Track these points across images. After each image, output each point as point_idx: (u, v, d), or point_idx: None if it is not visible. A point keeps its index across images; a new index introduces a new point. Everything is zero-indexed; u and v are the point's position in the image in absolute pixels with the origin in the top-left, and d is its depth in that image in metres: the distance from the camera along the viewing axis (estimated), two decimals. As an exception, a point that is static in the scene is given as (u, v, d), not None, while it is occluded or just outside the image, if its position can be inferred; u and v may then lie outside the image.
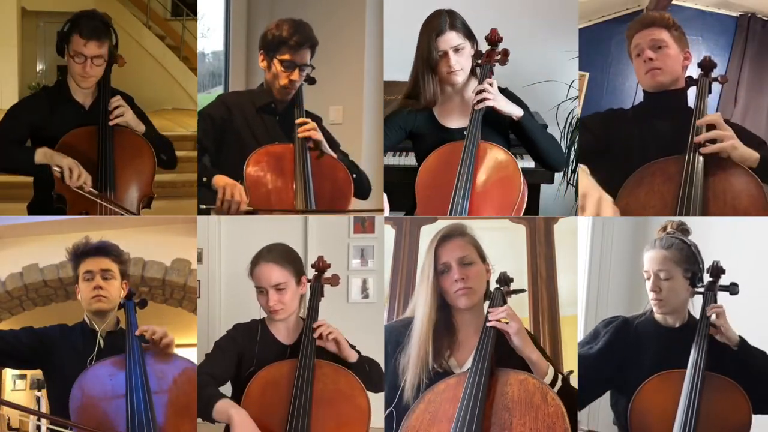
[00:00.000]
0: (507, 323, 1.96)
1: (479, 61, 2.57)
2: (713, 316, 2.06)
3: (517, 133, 2.61)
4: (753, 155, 2.25)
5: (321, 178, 2.55)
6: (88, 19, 2.47)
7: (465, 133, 2.50)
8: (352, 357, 2.23)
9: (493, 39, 2.54)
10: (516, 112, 2.53)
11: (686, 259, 2.15)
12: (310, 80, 2.60)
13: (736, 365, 2.05)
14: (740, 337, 2.07)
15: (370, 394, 2.17)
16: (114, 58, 2.54)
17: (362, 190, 2.72)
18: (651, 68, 2.38)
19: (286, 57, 2.54)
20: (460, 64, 2.54)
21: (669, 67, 2.38)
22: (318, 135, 2.55)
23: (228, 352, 2.23)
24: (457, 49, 2.52)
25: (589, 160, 2.61)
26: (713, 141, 2.25)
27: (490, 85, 2.49)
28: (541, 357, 1.98)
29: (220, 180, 2.45)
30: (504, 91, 2.64)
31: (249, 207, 2.46)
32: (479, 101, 2.48)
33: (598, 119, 2.58)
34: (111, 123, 2.50)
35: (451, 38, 2.51)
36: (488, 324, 1.97)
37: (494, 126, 2.58)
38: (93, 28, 2.45)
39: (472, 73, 2.63)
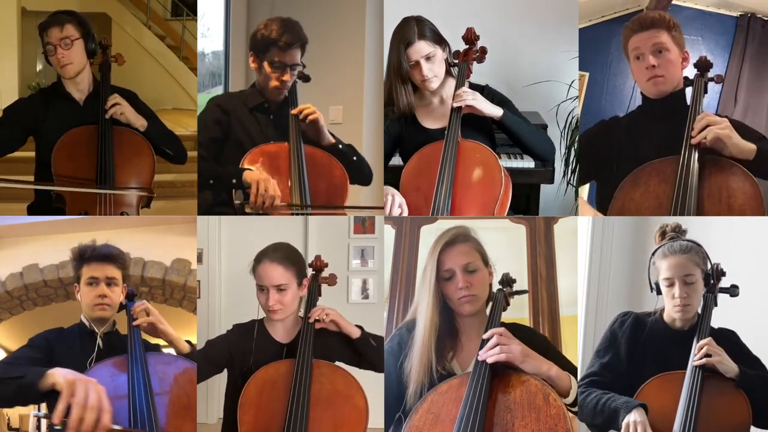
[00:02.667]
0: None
1: (456, 61, 2.58)
2: (703, 360, 2.00)
3: (501, 129, 2.61)
4: (749, 146, 2.22)
5: (317, 176, 2.53)
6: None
7: (445, 133, 2.49)
8: (355, 333, 2.22)
9: (470, 38, 2.55)
10: (496, 112, 2.53)
11: (702, 260, 2.14)
12: (305, 78, 2.54)
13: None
14: (739, 367, 2.01)
15: (368, 394, 2.15)
16: (97, 50, 2.56)
17: (362, 175, 2.67)
18: (653, 76, 2.35)
19: (276, 59, 2.48)
20: (433, 71, 2.56)
21: (671, 74, 2.36)
22: (317, 115, 2.50)
23: (218, 348, 2.26)
24: (428, 58, 2.53)
25: (592, 175, 2.63)
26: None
27: (464, 91, 2.50)
28: (560, 371, 1.90)
29: (251, 175, 2.39)
30: (485, 88, 2.64)
31: (283, 202, 2.41)
32: (459, 105, 2.48)
33: (591, 136, 2.58)
34: (107, 115, 2.49)
35: (421, 48, 2.53)
36: (481, 360, 1.89)
37: (477, 123, 2.58)
38: (51, 18, 2.49)
39: (449, 73, 2.64)
